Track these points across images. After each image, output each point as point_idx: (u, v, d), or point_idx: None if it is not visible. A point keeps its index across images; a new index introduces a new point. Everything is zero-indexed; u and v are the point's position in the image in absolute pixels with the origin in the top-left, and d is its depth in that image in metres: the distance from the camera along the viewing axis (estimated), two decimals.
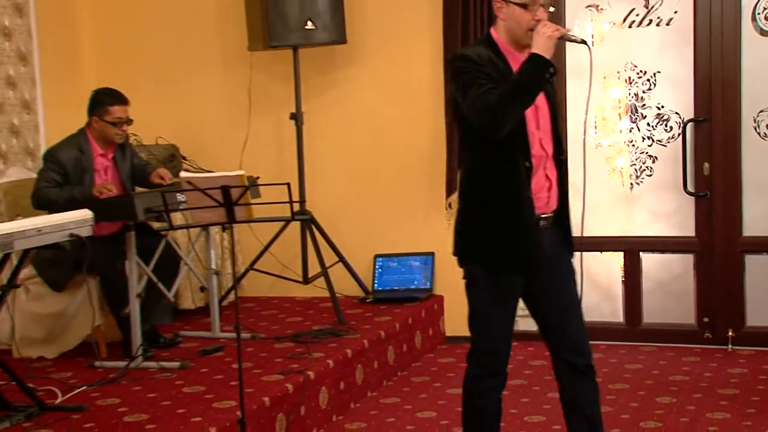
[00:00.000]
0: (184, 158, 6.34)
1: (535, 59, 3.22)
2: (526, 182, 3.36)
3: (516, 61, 3.35)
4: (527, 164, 3.35)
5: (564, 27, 3.36)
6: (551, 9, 3.40)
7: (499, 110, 3.21)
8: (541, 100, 3.40)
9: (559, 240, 3.48)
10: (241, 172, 4.53)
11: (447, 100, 5.76)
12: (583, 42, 3.36)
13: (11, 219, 4.90)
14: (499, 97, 3.21)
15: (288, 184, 4.13)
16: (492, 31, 3.45)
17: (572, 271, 3.55)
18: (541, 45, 3.22)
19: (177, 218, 5.13)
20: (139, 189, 5.26)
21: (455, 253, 3.52)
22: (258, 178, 4.93)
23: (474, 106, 3.27)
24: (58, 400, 4.27)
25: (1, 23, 5.85)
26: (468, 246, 3.48)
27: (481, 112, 3.25)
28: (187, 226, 5.31)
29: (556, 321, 3.51)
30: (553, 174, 3.45)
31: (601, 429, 3.62)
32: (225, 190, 3.88)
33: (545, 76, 3.22)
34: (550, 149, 3.43)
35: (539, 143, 3.40)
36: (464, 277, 3.52)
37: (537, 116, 3.40)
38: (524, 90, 3.23)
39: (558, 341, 3.52)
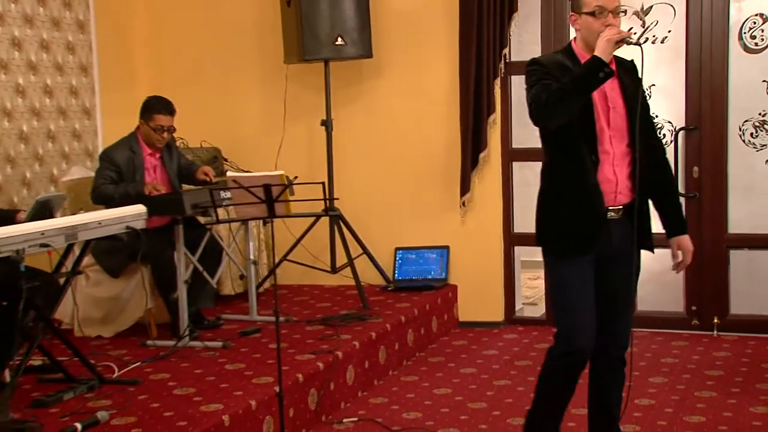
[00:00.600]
0: (225, 160, 6.37)
1: (592, 59, 3.18)
2: (592, 175, 3.29)
3: None
4: (593, 158, 3.30)
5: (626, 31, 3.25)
6: (621, 14, 3.33)
7: (550, 102, 3.19)
8: (616, 100, 3.35)
9: (629, 234, 3.35)
10: (281, 172, 4.56)
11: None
12: (638, 44, 3.26)
13: (74, 213, 4.97)
14: (553, 91, 3.20)
15: (323, 183, 4.14)
16: (572, 41, 3.43)
17: (636, 267, 3.44)
18: (600, 47, 3.17)
19: (220, 213, 5.16)
20: (186, 186, 5.30)
21: (536, 243, 3.50)
22: (296, 177, 4.94)
23: (532, 100, 3.26)
24: (115, 375, 4.31)
25: (66, 38, 5.91)
26: (541, 234, 3.46)
27: (537, 104, 3.23)
28: (232, 220, 5.34)
29: (604, 311, 3.42)
30: (622, 172, 3.35)
31: (618, 416, 3.56)
32: (267, 188, 3.90)
33: (599, 75, 3.15)
34: (621, 147, 3.35)
35: (609, 140, 3.33)
36: (545, 266, 3.51)
37: (609, 114, 3.34)
38: (575, 87, 3.19)
39: (600, 329, 3.43)
